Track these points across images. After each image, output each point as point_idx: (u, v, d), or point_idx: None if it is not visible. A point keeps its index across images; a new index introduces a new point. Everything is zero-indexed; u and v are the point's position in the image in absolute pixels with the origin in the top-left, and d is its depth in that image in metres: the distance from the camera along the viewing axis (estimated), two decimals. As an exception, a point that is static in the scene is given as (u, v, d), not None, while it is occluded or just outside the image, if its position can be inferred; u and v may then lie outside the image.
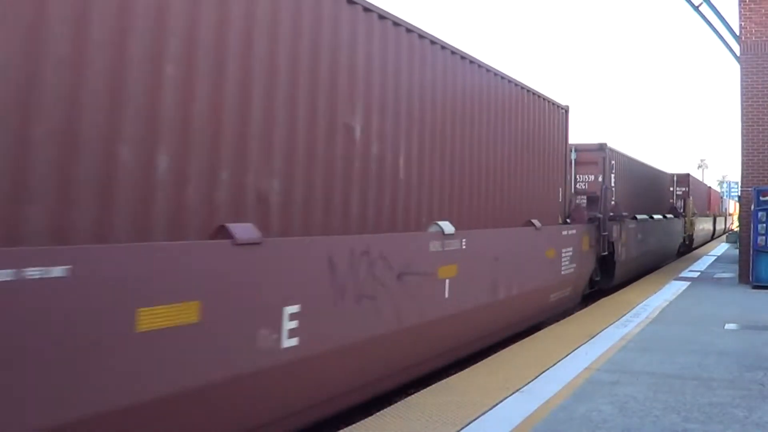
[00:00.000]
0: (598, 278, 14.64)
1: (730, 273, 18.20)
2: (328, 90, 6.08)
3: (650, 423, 5.44)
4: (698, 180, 42.42)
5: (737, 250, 17.68)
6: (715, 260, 24.64)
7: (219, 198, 4.96)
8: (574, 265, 12.09)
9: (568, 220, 12.64)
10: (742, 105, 15.98)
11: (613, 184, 15.84)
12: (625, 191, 17.37)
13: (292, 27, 5.65)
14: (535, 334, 9.60)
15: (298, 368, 5.31)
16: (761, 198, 15.30)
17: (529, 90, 10.55)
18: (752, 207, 15.53)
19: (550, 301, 11.23)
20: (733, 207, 59.79)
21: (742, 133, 16.05)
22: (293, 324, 5.20)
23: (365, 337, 6.18)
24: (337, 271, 5.74)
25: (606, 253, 14.22)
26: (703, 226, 35.58)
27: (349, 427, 5.42)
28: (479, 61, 8.87)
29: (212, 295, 4.50)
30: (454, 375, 7.31)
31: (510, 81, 9.84)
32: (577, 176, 15.10)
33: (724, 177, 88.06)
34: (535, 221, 10.34)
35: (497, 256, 8.85)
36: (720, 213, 50.70)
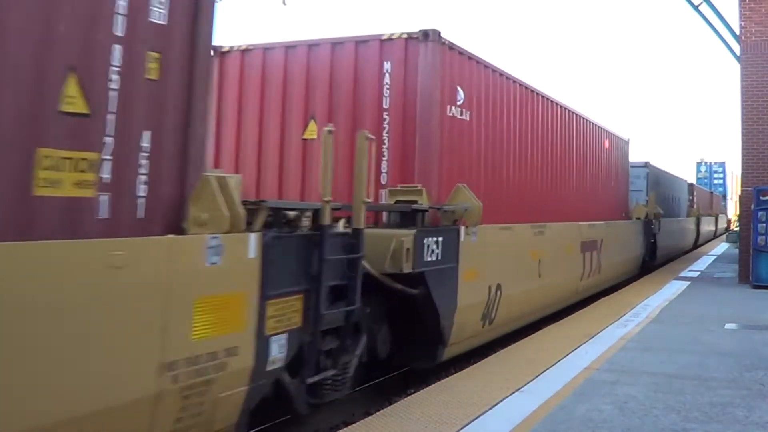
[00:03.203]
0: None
1: (730, 273, 18.21)
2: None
3: (650, 423, 5.44)
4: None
5: (737, 250, 17.69)
6: (715, 260, 24.66)
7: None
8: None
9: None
10: (742, 105, 15.98)
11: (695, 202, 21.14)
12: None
13: None
14: (535, 334, 9.61)
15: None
16: (761, 198, 15.30)
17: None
18: (752, 207, 15.54)
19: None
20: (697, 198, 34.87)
21: (742, 133, 16.05)
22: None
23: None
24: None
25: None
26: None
27: (350, 427, 5.43)
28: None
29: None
30: (454, 374, 7.33)
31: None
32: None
33: (701, 159, 63.44)
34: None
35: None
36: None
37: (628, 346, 8.54)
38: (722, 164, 63.11)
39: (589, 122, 14.31)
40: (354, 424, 5.50)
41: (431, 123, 7.89)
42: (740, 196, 17.15)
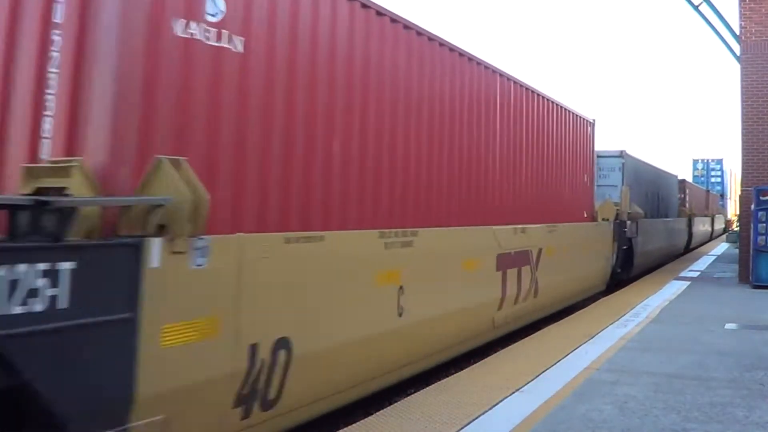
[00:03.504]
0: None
1: (730, 273, 18.20)
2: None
3: (650, 423, 5.44)
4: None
5: (737, 250, 17.68)
6: (715, 260, 24.65)
7: None
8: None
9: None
10: (742, 105, 15.98)
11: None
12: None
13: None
14: (535, 334, 9.60)
15: None
16: (761, 198, 15.30)
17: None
18: (752, 207, 15.54)
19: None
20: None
21: (742, 133, 16.05)
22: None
23: None
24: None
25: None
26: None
27: (349, 427, 5.43)
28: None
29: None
30: (454, 375, 7.31)
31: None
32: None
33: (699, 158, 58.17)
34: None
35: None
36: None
37: (628, 346, 8.53)
38: (720, 161, 58.48)
39: (527, 89, 10.58)
40: (354, 424, 5.50)
41: (125, 47, 4.43)
42: (740, 196, 17.16)
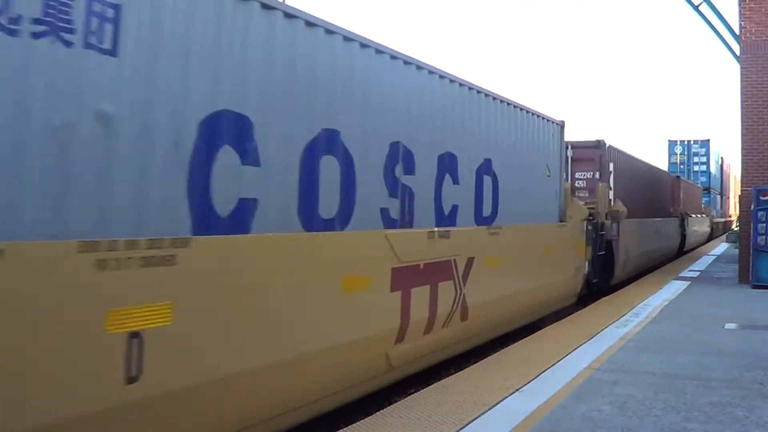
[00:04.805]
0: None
1: (730, 273, 18.21)
2: None
3: (650, 422, 5.45)
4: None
5: (737, 250, 17.70)
6: (715, 260, 24.65)
7: None
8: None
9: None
10: (742, 105, 15.98)
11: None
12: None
13: None
14: (535, 334, 9.60)
15: None
16: (761, 198, 15.31)
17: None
18: (752, 207, 15.55)
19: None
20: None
21: (742, 132, 16.05)
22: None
23: None
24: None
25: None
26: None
27: (350, 427, 5.43)
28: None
29: None
30: (454, 375, 7.32)
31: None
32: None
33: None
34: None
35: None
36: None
37: (628, 345, 8.54)
38: (705, 143, 42.44)
39: None
40: (354, 424, 5.50)
41: None
42: (740, 196, 17.18)
